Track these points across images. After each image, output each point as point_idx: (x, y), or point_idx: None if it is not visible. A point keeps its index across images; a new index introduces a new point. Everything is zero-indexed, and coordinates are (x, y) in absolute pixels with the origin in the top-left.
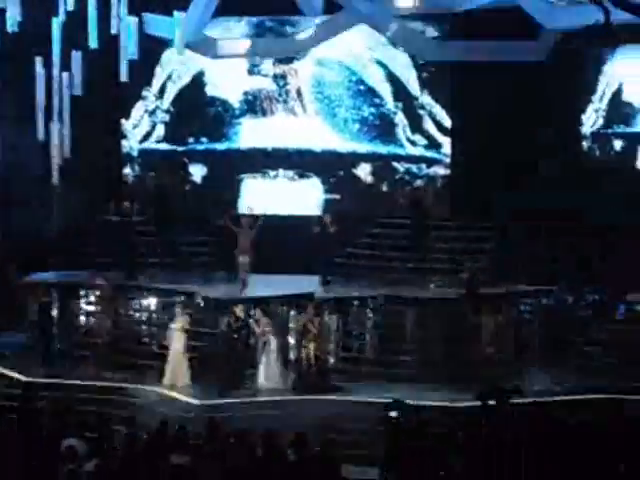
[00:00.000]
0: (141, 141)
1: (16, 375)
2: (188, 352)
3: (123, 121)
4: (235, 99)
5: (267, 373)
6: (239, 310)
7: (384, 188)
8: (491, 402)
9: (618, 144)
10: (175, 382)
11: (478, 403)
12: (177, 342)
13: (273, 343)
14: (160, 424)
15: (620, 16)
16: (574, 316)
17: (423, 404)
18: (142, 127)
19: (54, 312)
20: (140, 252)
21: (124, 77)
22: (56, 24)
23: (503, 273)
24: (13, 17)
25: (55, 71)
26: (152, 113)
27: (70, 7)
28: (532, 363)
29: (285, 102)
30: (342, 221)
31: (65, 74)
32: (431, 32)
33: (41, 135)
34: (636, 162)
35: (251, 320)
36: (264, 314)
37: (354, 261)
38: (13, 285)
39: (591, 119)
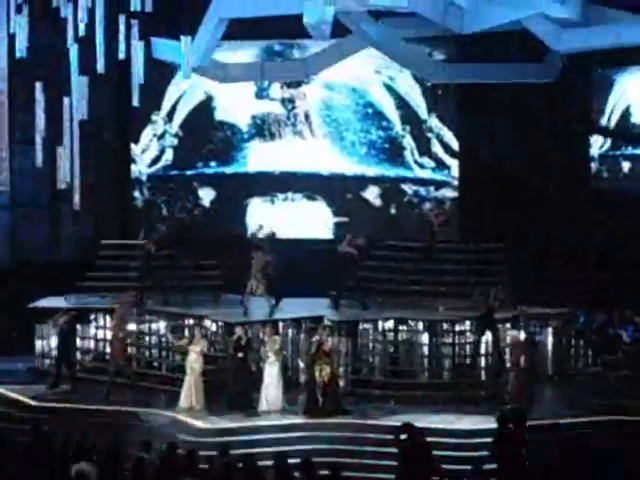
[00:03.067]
0: (150, 165)
1: (26, 399)
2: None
3: (132, 145)
4: (243, 123)
5: (268, 395)
6: (246, 332)
7: (392, 211)
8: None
9: (626, 166)
10: (192, 405)
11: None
12: (195, 365)
13: (276, 365)
14: (167, 447)
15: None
16: (586, 337)
17: (433, 427)
18: (151, 151)
19: (67, 336)
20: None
21: (135, 102)
22: (64, 49)
23: (514, 295)
24: (22, 42)
25: (62, 96)
26: (161, 137)
27: (79, 33)
28: (544, 385)
29: (293, 125)
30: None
31: (72, 99)
32: (438, 55)
33: (39, 161)
34: None
35: (263, 344)
36: (274, 335)
37: (363, 284)
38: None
39: (599, 141)
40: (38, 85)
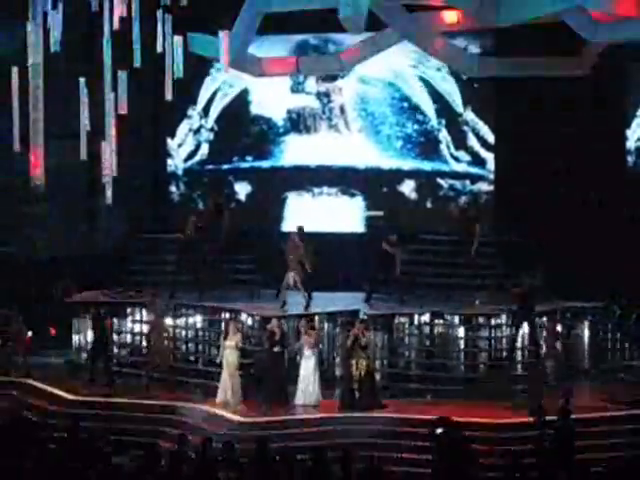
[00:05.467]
0: (186, 160)
1: (62, 393)
2: (239, 369)
3: (168, 140)
4: (279, 117)
5: (304, 389)
6: (280, 326)
7: (428, 204)
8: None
9: None
10: (228, 399)
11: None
12: (230, 359)
13: (313, 359)
14: (203, 442)
15: None
16: (622, 331)
17: (469, 421)
18: (187, 146)
19: (103, 331)
20: (187, 270)
21: (169, 96)
22: (102, 43)
23: (551, 290)
24: (57, 37)
25: (101, 90)
26: (197, 132)
27: (115, 27)
28: (580, 378)
29: (329, 119)
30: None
31: (110, 94)
32: (474, 48)
33: (84, 155)
34: None
35: (300, 338)
36: (310, 329)
37: (400, 277)
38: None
39: (636, 134)
40: (81, 80)
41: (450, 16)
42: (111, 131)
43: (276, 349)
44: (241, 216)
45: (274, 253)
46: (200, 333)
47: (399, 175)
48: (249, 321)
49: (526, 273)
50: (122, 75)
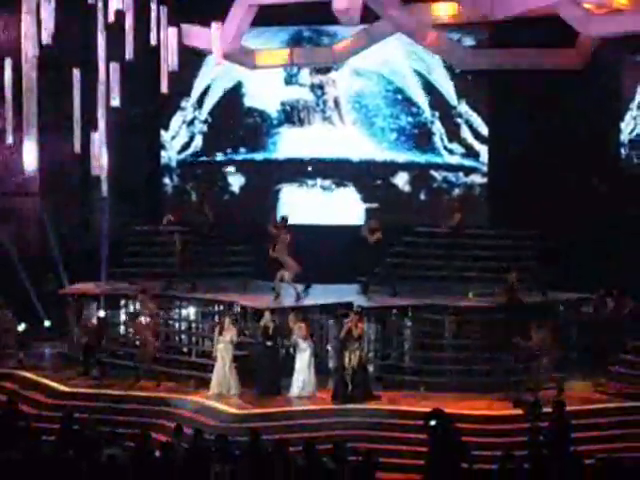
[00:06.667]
0: (180, 152)
1: (56, 385)
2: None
3: (162, 132)
4: (273, 109)
5: (299, 381)
6: (274, 318)
7: (422, 197)
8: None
9: None
10: (223, 392)
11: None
12: (225, 354)
13: (308, 351)
14: (194, 433)
15: None
16: (614, 323)
17: (462, 413)
18: (180, 138)
19: (96, 322)
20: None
21: (164, 88)
22: (96, 35)
23: (543, 281)
24: (49, 30)
25: (94, 82)
26: (190, 124)
27: (109, 18)
28: (572, 371)
29: (323, 112)
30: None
31: (104, 85)
32: (468, 41)
33: (78, 147)
34: None
35: (293, 330)
36: (299, 322)
37: (393, 270)
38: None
39: (629, 126)
40: (75, 72)
41: (445, 8)
42: (104, 123)
43: (269, 342)
44: (235, 207)
45: (267, 245)
46: (193, 325)
47: (393, 167)
48: (242, 313)
49: (509, 266)
50: (115, 67)
